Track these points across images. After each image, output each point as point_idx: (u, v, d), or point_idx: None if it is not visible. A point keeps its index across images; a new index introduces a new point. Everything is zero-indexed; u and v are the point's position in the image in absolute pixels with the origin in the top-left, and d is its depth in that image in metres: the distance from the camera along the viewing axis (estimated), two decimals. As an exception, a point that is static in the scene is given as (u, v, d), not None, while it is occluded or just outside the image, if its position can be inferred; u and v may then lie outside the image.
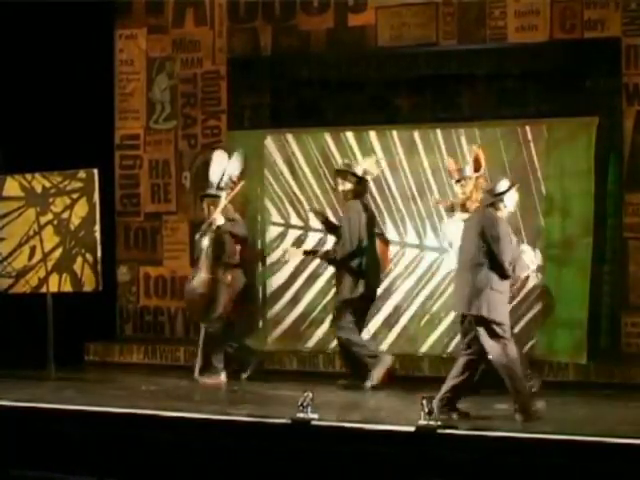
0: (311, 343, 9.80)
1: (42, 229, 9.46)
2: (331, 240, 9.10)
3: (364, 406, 8.16)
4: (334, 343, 9.18)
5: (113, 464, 6.92)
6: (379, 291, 9.36)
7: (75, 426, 7.20)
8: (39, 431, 7.24)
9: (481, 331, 7.01)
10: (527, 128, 9.27)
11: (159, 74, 10.77)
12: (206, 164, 9.51)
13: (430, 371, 9.24)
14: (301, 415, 6.70)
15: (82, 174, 9.43)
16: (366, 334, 9.51)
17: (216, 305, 8.87)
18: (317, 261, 9.53)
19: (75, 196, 9.42)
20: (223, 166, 9.09)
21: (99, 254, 9.26)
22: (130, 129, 10.88)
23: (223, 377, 8.97)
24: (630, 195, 9.17)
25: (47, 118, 10.18)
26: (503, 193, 7.14)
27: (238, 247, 9.07)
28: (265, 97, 10.28)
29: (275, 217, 10.11)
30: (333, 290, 9.14)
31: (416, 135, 9.61)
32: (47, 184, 9.53)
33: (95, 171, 9.40)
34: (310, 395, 6.73)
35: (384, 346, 9.58)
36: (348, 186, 8.76)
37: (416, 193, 9.55)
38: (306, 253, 9.41)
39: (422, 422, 6.46)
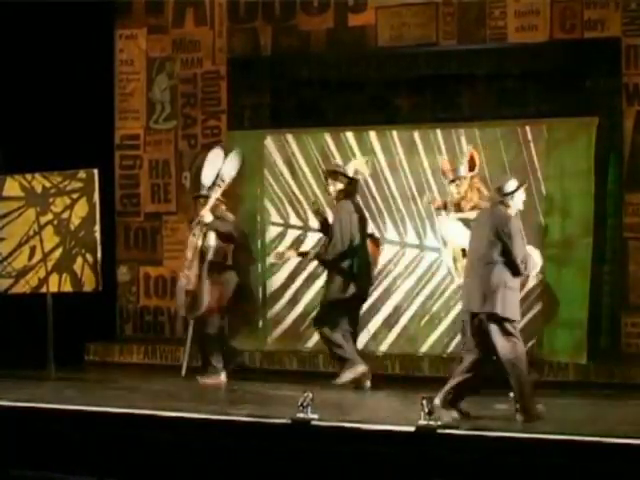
0: (311, 343, 9.80)
1: (42, 229, 9.47)
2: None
3: (364, 406, 8.17)
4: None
5: (113, 464, 6.92)
6: (380, 291, 9.40)
7: (75, 426, 7.20)
8: (39, 431, 7.24)
9: (493, 329, 7.02)
10: (527, 128, 9.27)
11: (159, 74, 10.77)
12: (206, 164, 9.53)
13: (430, 371, 9.24)
14: (301, 415, 6.70)
15: (82, 174, 9.43)
16: (366, 334, 9.55)
17: (200, 302, 8.89)
18: (317, 261, 9.50)
19: (75, 196, 9.42)
20: (217, 166, 9.10)
21: (99, 254, 9.26)
22: (130, 129, 10.88)
23: (223, 377, 8.97)
24: (630, 195, 9.17)
25: (47, 118, 10.18)
26: (512, 192, 7.17)
27: (232, 246, 9.06)
28: (265, 97, 10.28)
29: (274, 217, 10.11)
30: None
31: (416, 135, 9.61)
32: (47, 184, 9.53)
33: (95, 171, 9.40)
34: (310, 395, 6.73)
35: (384, 346, 9.60)
36: (339, 186, 8.76)
37: (416, 193, 9.55)
38: (298, 254, 9.40)
39: (422, 422, 6.46)
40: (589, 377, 8.83)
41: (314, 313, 9.17)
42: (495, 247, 7.03)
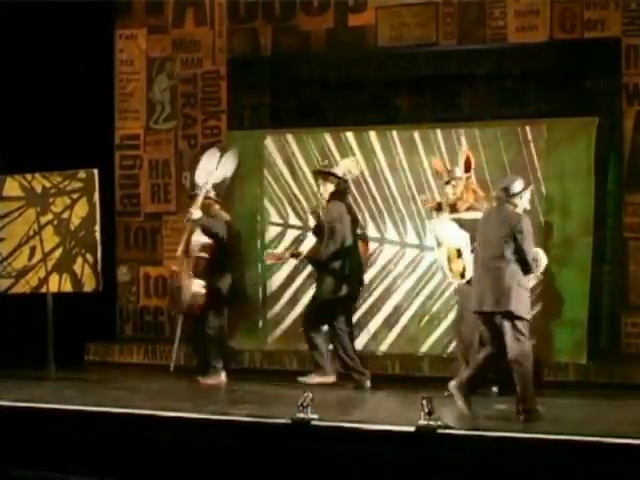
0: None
1: (42, 229, 9.46)
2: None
3: (364, 406, 8.17)
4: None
5: (113, 464, 6.92)
6: (380, 291, 9.41)
7: (75, 426, 7.20)
8: (39, 431, 7.24)
9: (506, 327, 7.06)
10: (527, 128, 9.27)
11: (159, 74, 10.78)
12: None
13: (430, 371, 9.25)
14: (301, 415, 6.70)
15: (82, 174, 9.43)
16: (366, 334, 9.56)
17: (185, 297, 8.92)
18: (309, 262, 9.47)
19: (75, 196, 9.42)
20: (211, 165, 9.11)
21: (99, 254, 9.26)
22: (130, 129, 10.89)
23: (223, 377, 8.98)
24: (630, 195, 9.18)
25: (47, 118, 10.18)
26: (521, 192, 7.24)
27: (222, 244, 9.06)
28: (265, 97, 10.29)
29: (274, 217, 10.11)
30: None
31: (416, 135, 9.62)
32: (47, 184, 9.53)
33: (95, 171, 9.39)
34: (310, 395, 6.73)
35: (384, 346, 9.60)
36: (329, 187, 8.77)
37: (416, 193, 9.54)
38: (291, 256, 9.39)
39: (422, 422, 6.46)
40: (589, 377, 8.83)
41: (304, 311, 9.18)
42: (508, 246, 7.08)
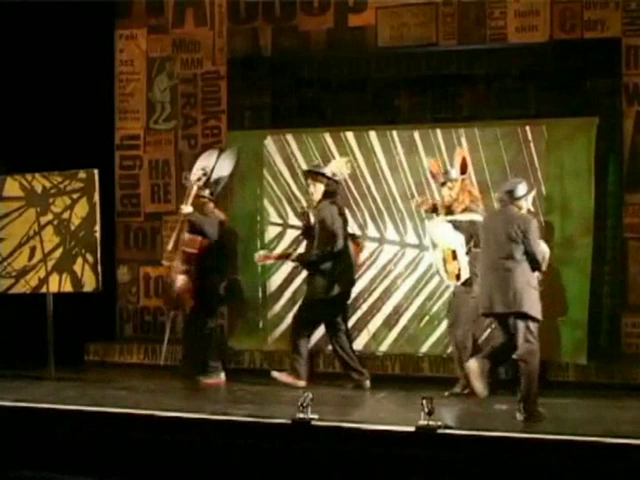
0: (311, 343, 9.77)
1: (42, 229, 9.47)
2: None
3: (364, 406, 8.17)
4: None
5: (113, 464, 6.92)
6: (380, 291, 9.39)
7: (75, 426, 7.20)
8: (39, 431, 7.24)
9: (520, 327, 7.11)
10: (527, 128, 9.27)
11: (159, 74, 10.77)
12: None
13: (430, 371, 9.26)
14: (301, 415, 6.70)
15: (82, 174, 9.43)
16: (366, 334, 9.56)
17: (172, 292, 8.97)
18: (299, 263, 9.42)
19: (75, 196, 9.42)
20: (207, 163, 9.15)
21: (99, 254, 9.26)
22: (130, 129, 10.88)
23: (223, 377, 8.98)
24: (630, 195, 9.17)
25: (47, 118, 10.19)
26: (526, 195, 7.37)
27: (211, 241, 9.05)
28: (265, 97, 10.28)
29: (274, 217, 10.11)
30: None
31: (416, 135, 9.61)
32: (47, 184, 9.53)
33: (95, 171, 9.40)
34: (310, 395, 6.73)
35: (384, 346, 9.59)
36: (319, 187, 8.77)
37: (416, 193, 9.54)
38: (281, 257, 9.39)
39: (422, 422, 6.47)
40: (589, 377, 8.84)
41: (294, 310, 9.18)
42: (518, 246, 7.16)
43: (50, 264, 9.40)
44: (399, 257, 9.63)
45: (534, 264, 7.21)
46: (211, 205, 9.10)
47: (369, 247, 9.66)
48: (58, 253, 9.41)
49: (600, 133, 9.02)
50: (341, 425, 6.77)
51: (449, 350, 9.26)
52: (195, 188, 9.00)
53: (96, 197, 9.34)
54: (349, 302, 9.01)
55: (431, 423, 6.45)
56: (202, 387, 8.82)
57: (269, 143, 10.14)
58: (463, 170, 8.43)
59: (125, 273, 10.84)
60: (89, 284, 9.30)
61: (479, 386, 7.19)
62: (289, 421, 6.75)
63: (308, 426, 6.68)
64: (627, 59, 9.16)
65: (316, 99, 10.07)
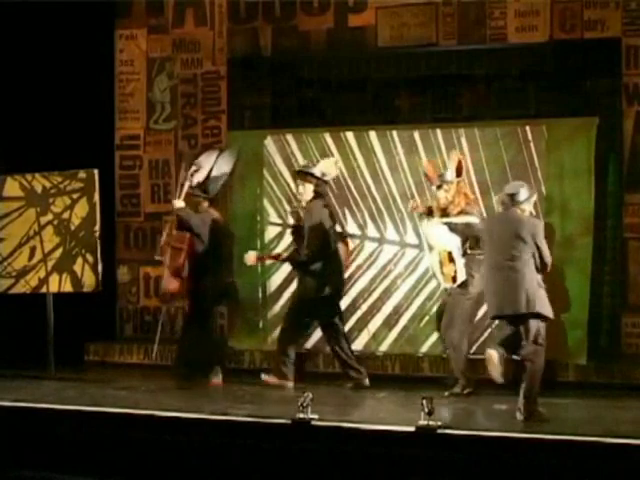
0: (310, 343, 9.79)
1: (42, 229, 9.47)
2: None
3: (364, 406, 8.16)
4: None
5: (113, 464, 6.92)
6: (380, 291, 9.39)
7: (75, 426, 7.20)
8: (39, 431, 7.24)
9: (533, 328, 7.13)
10: (527, 128, 9.27)
11: (159, 74, 10.77)
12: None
13: (430, 371, 9.25)
14: (301, 415, 6.70)
15: (82, 174, 9.44)
16: (366, 334, 9.56)
17: (162, 287, 9.09)
18: (289, 263, 9.40)
19: (75, 196, 9.43)
20: (205, 163, 9.17)
21: (99, 254, 9.27)
22: (130, 129, 10.88)
23: (220, 378, 8.97)
24: (630, 195, 9.17)
25: (47, 118, 10.19)
26: (528, 198, 7.40)
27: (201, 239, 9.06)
28: (265, 97, 10.28)
29: (273, 217, 10.11)
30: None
31: (416, 135, 9.61)
32: (47, 184, 9.54)
33: (95, 171, 9.41)
34: (310, 395, 6.73)
35: (384, 346, 9.59)
36: (308, 187, 8.78)
37: (416, 193, 9.54)
38: (271, 257, 9.38)
39: (422, 422, 6.47)
40: (589, 377, 8.84)
41: (286, 311, 9.19)
42: (525, 248, 7.18)
43: (50, 264, 9.41)
44: (399, 257, 9.63)
45: (542, 265, 7.25)
46: (205, 204, 9.11)
47: (369, 247, 9.68)
48: (58, 253, 9.41)
49: (600, 133, 9.02)
50: (341, 425, 6.77)
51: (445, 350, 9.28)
52: (187, 184, 9.01)
53: (96, 197, 9.35)
54: (345, 302, 9.00)
55: (431, 423, 6.46)
56: (202, 387, 8.82)
57: (269, 143, 10.14)
58: (459, 173, 8.45)
59: (125, 273, 10.84)
60: (89, 284, 9.31)
61: (497, 373, 7.17)
62: (289, 421, 6.75)
63: (308, 426, 6.68)
64: (627, 59, 9.15)
65: (316, 99, 10.07)
